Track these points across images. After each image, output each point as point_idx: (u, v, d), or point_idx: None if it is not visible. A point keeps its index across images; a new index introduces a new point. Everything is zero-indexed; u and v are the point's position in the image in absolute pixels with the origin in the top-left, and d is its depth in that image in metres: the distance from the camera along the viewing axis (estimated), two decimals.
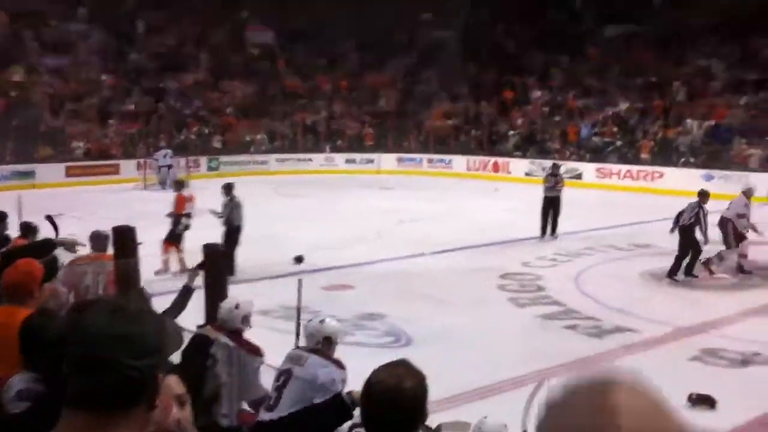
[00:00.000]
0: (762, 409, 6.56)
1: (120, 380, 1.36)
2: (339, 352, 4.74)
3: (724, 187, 21.48)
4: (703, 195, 11.96)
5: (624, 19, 33.56)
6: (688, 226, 11.66)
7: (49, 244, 5.30)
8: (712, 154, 23.60)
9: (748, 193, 12.48)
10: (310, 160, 29.99)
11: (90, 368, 1.37)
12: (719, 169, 22.38)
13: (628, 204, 19.90)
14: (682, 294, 10.93)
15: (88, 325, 1.40)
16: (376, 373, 2.20)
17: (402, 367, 2.22)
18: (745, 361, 7.74)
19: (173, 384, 1.70)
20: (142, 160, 26.30)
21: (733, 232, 11.87)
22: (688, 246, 11.62)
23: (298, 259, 12.70)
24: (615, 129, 26.70)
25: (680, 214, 11.90)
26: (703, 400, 6.59)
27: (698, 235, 11.58)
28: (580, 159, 25.96)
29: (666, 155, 24.29)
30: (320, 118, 32.56)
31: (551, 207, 15.21)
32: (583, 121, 27.92)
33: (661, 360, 7.99)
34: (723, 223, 12.04)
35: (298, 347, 5.00)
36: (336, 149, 30.79)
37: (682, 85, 27.42)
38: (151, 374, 1.41)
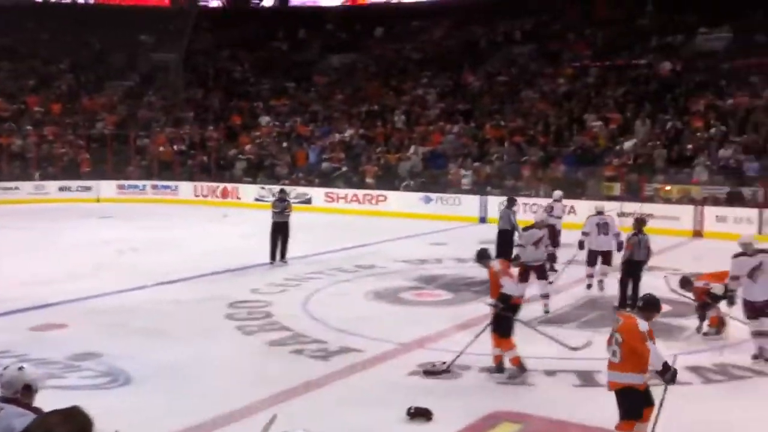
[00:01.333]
0: (473, 415, 6.94)
1: None
2: (48, 398, 4.27)
3: (441, 209, 23.15)
4: (511, 201, 14.80)
5: (347, 49, 35.09)
6: (507, 230, 14.03)
7: None
8: (430, 178, 25.25)
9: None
10: (17, 188, 27.23)
11: None
12: (436, 192, 24.01)
13: (355, 227, 20.58)
14: (404, 312, 11.39)
15: None
16: (33, 421, 2.04)
17: (59, 415, 2.08)
18: (456, 372, 8.21)
19: None
20: None
21: None
22: (506, 247, 13.58)
23: None
24: (342, 155, 27.57)
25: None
26: (420, 413, 6.83)
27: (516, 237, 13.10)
28: (310, 184, 26.44)
29: (388, 179, 25.54)
30: (29, 142, 29.68)
31: (280, 232, 15.21)
32: (311, 147, 28.51)
33: (383, 377, 8.21)
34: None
35: None
36: (47, 176, 28.29)
37: (402, 114, 29.14)
38: None
